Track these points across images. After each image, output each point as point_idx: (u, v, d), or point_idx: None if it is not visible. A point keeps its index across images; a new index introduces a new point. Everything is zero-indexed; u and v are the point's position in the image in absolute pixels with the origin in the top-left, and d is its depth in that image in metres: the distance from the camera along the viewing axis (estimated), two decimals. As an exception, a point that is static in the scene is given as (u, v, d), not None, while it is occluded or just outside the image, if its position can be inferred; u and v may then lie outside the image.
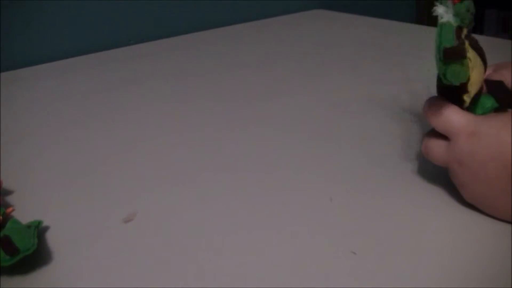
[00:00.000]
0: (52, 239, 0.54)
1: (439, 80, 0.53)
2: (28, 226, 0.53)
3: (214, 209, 0.57)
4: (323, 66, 1.04)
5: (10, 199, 0.61)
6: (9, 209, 0.57)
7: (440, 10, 0.49)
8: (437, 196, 0.56)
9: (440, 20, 0.49)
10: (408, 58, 1.02)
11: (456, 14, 0.49)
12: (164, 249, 0.51)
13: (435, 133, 0.54)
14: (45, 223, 0.55)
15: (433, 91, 0.55)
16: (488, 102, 0.52)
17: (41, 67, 1.16)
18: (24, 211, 0.57)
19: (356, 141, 0.70)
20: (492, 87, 0.53)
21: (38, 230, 0.53)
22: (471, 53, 0.50)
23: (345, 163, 0.65)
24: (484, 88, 0.53)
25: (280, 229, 0.53)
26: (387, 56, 1.07)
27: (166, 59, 1.14)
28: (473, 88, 0.51)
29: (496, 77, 0.54)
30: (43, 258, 0.51)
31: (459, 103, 0.52)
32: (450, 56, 0.48)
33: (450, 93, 0.52)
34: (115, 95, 0.94)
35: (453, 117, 0.51)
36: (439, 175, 0.58)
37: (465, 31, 0.50)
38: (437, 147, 0.53)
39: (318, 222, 0.54)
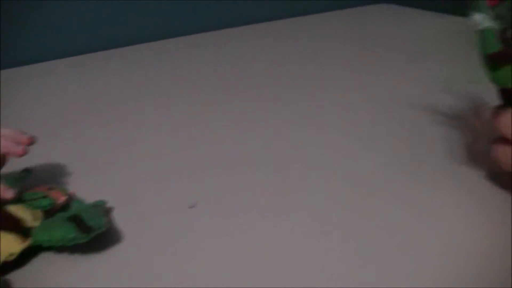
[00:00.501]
0: (117, 219, 0.53)
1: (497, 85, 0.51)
2: (95, 206, 0.52)
3: (279, 199, 0.56)
4: (378, 61, 0.98)
5: (72, 180, 0.61)
6: (72, 191, 0.56)
7: (477, 17, 0.47)
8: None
9: (479, 27, 0.47)
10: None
11: (497, 17, 0.47)
12: (225, 236, 0.51)
13: (504, 140, 0.52)
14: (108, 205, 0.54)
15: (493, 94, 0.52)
16: None
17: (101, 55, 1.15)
18: (87, 192, 0.56)
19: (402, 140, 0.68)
20: None
21: (104, 210, 0.52)
22: None
23: (392, 161, 0.63)
24: None
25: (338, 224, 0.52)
26: (452, 55, 0.97)
27: (223, 51, 1.11)
28: None
29: None
30: (113, 236, 0.50)
31: None
32: (498, 60, 0.46)
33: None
34: (182, 85, 0.91)
35: None
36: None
37: (510, 32, 0.47)
38: (507, 154, 0.51)
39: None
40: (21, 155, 0.52)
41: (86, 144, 0.70)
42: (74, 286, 0.45)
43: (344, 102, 0.80)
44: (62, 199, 0.54)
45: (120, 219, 0.53)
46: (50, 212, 0.52)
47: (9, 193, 0.50)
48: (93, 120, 0.78)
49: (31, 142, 0.53)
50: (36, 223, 0.49)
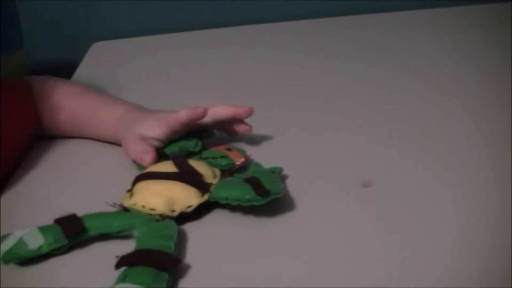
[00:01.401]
0: (291, 188, 0.52)
1: None
2: (272, 171, 0.51)
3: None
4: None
5: (250, 143, 0.61)
6: (249, 154, 0.56)
7: None
8: None
9: None
10: None
11: None
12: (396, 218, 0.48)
13: None
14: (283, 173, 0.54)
15: None
16: None
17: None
18: (265, 159, 0.55)
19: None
20: None
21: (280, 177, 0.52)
22: None
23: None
24: None
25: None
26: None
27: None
28: None
29: None
30: (286, 205, 0.49)
31: None
32: None
33: None
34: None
35: None
36: None
37: None
38: None
39: None
40: (249, 115, 0.56)
41: (265, 110, 0.70)
42: (241, 245, 0.45)
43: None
44: (241, 160, 0.54)
45: (293, 189, 0.52)
46: (226, 172, 0.53)
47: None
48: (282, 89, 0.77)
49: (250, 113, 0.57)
50: (214, 181, 0.50)
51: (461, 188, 0.51)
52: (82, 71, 0.88)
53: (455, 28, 0.93)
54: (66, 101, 0.63)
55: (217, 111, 0.56)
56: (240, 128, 0.58)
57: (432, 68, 0.79)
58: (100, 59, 0.94)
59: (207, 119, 0.55)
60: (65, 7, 1.07)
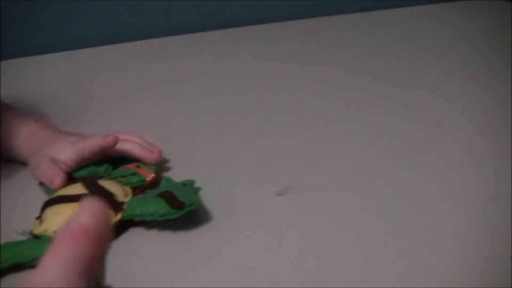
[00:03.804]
0: (206, 200, 0.52)
1: None
2: (184, 184, 0.52)
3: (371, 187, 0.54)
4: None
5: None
6: (160, 169, 0.56)
7: None
8: None
9: None
10: None
11: None
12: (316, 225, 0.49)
13: None
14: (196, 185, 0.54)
15: None
16: None
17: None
18: (176, 173, 0.56)
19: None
20: None
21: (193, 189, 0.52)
22: None
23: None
24: None
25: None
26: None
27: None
28: None
29: None
30: (202, 216, 0.50)
31: None
32: None
33: None
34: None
35: None
36: None
37: None
38: None
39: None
40: (156, 162, 0.55)
41: (170, 126, 0.70)
42: (161, 261, 0.45)
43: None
44: (151, 176, 0.54)
45: (207, 200, 0.52)
46: (138, 189, 0.52)
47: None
48: (184, 103, 0.78)
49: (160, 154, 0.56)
50: (126, 199, 0.50)
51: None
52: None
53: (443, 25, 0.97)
54: None
55: (126, 148, 0.56)
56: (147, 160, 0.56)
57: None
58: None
59: (114, 153, 0.55)
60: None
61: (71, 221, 0.19)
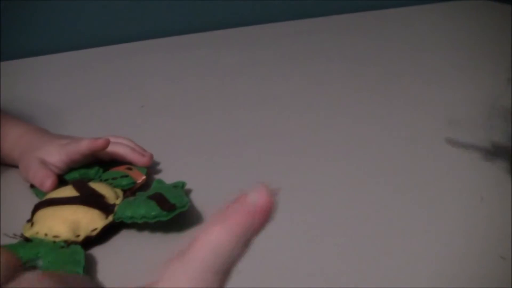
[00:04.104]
0: (196, 201, 0.53)
1: None
2: (174, 186, 0.52)
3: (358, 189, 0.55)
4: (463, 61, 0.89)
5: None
6: (150, 171, 0.56)
7: None
8: None
9: None
10: None
11: None
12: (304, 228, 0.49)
13: None
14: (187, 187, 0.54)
15: None
16: None
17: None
18: (166, 175, 0.56)
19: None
20: None
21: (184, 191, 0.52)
22: None
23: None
24: None
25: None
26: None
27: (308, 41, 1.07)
28: None
29: None
30: (193, 218, 0.50)
31: None
32: None
33: None
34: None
35: None
36: None
37: None
38: None
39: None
40: (147, 165, 0.56)
41: (161, 127, 0.70)
42: (153, 263, 0.45)
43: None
44: (142, 178, 0.54)
45: (198, 202, 0.52)
46: (129, 192, 0.52)
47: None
48: (174, 107, 0.78)
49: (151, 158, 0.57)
50: (117, 201, 0.50)
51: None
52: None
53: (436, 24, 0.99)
54: None
55: (117, 151, 0.56)
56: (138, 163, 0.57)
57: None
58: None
59: (105, 156, 0.56)
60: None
61: (248, 197, 0.22)
